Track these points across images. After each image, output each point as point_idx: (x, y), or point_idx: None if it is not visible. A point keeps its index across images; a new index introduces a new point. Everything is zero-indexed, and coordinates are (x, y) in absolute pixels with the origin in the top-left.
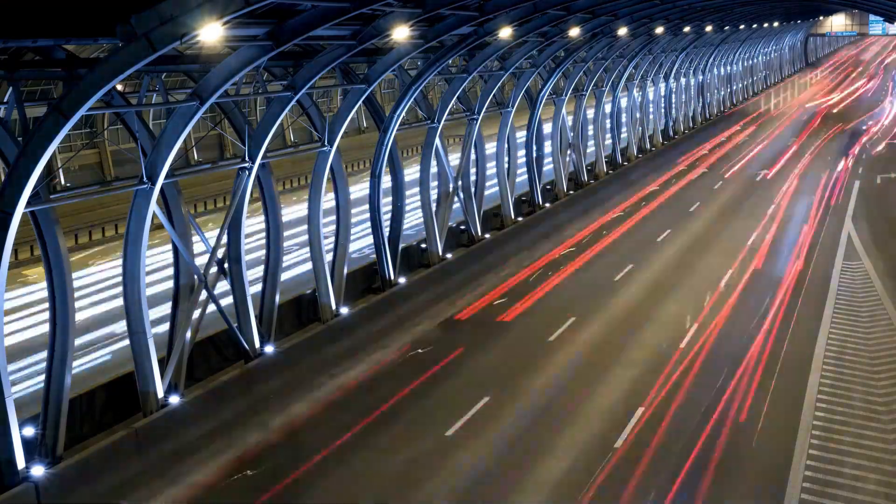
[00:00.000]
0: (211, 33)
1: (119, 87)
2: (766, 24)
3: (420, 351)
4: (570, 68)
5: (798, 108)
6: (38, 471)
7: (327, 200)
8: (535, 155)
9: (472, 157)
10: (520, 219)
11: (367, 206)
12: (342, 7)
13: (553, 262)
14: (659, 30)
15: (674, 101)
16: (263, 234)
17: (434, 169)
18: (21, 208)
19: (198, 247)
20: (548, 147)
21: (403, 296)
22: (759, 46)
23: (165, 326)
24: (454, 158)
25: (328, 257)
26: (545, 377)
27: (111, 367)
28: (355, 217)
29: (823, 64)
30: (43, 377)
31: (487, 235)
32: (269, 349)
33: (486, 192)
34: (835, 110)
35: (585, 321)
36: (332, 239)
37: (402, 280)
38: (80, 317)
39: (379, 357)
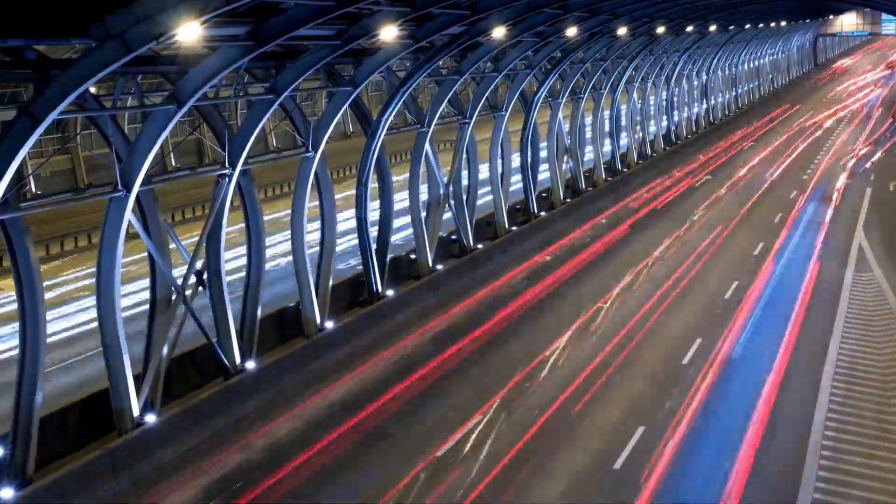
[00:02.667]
0: (189, 33)
1: (93, 90)
2: (772, 24)
3: (408, 367)
4: (567, 70)
5: None
6: (6, 493)
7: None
8: (530, 161)
9: (464, 163)
10: (514, 228)
11: (353, 215)
12: (327, 5)
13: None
14: (660, 29)
15: (676, 104)
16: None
17: (424, 175)
18: None
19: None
20: (544, 153)
21: (391, 309)
22: (765, 47)
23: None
24: (445, 165)
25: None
26: (539, 392)
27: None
28: (341, 226)
29: None
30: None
31: (480, 245)
32: (250, 365)
33: (479, 200)
34: None
35: (582, 336)
36: (317, 249)
37: (390, 292)
38: None
39: (366, 374)
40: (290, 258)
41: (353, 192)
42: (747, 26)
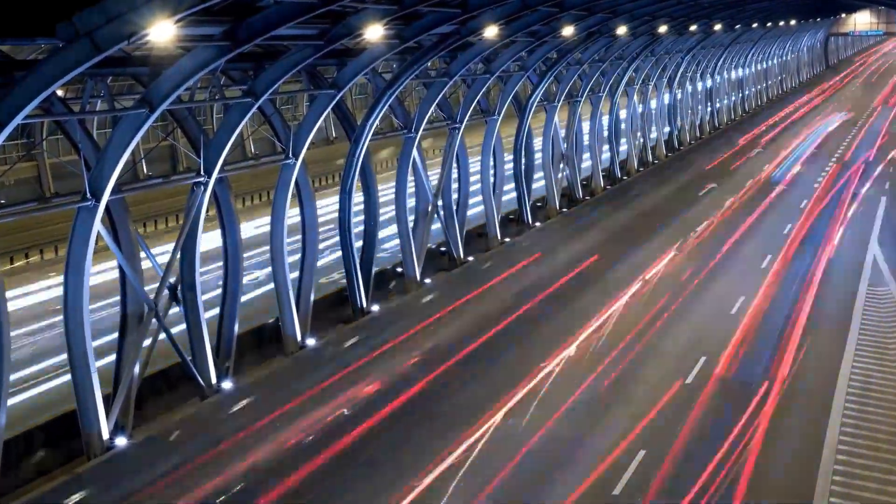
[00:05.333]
0: (162, 32)
1: (60, 93)
2: (781, 23)
3: (394, 388)
4: (564, 71)
5: None
6: None
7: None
8: (523, 168)
9: (454, 170)
10: (507, 239)
11: (336, 226)
12: (308, 3)
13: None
14: (662, 29)
15: (679, 107)
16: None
17: (412, 184)
18: None
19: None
20: (538, 159)
21: (377, 325)
22: (773, 47)
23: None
24: (434, 172)
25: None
26: (531, 413)
27: None
28: (323, 237)
29: None
30: None
31: (471, 258)
32: (227, 385)
33: (470, 210)
34: None
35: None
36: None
37: (375, 308)
38: None
39: (349, 394)
40: None
41: (337, 201)
42: (754, 25)
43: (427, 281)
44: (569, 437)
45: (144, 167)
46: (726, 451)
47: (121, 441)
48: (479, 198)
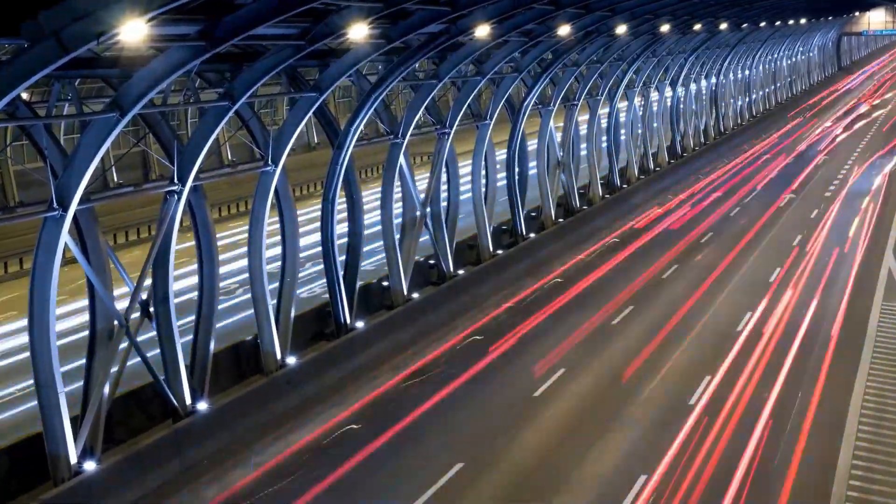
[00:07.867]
0: (133, 32)
1: (25, 96)
2: (791, 22)
3: (379, 409)
4: (560, 73)
5: None
6: None
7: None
8: (517, 176)
9: (444, 178)
10: (499, 252)
11: (318, 237)
12: (289, 1)
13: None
14: (664, 28)
15: (682, 112)
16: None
17: (398, 193)
18: None
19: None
20: (533, 167)
21: (361, 343)
22: (782, 48)
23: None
24: (422, 180)
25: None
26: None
27: None
28: (305, 249)
29: None
30: None
31: (461, 271)
32: (202, 406)
33: (460, 221)
34: None
35: (576, 374)
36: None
37: (359, 324)
38: None
39: (331, 416)
40: None
41: (319, 211)
42: (762, 24)
43: (415, 295)
44: None
45: (115, 175)
46: None
47: (90, 465)
48: (470, 207)
